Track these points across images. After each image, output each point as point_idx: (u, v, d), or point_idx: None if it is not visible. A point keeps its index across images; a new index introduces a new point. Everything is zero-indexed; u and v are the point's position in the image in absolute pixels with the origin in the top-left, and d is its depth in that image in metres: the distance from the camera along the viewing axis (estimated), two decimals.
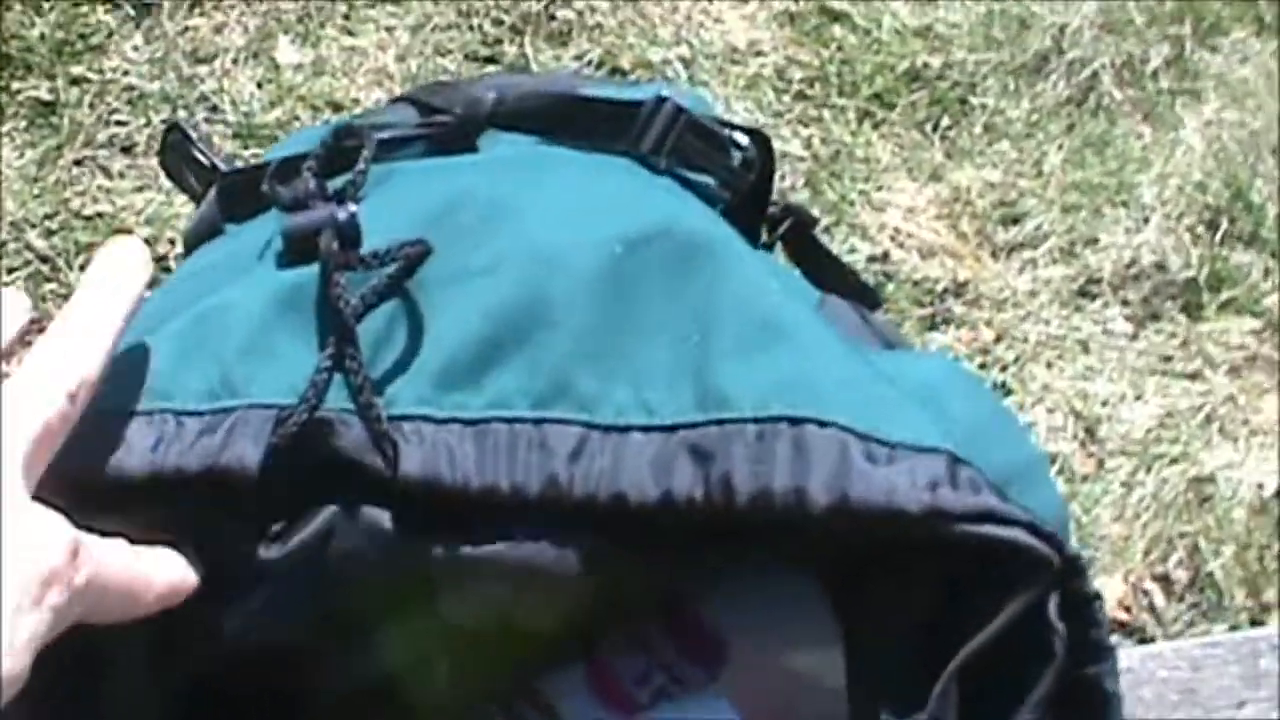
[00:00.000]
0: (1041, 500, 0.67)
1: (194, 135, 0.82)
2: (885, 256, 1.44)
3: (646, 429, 0.57)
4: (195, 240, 0.77)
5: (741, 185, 0.76)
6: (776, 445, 0.55)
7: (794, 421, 0.56)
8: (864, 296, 0.85)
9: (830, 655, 0.61)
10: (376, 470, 0.56)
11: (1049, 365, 1.38)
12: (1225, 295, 1.46)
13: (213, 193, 0.79)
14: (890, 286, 1.35)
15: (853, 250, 0.80)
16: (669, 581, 0.73)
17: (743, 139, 0.79)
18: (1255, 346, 1.42)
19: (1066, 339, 1.43)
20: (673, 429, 0.57)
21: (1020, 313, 1.45)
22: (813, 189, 1.33)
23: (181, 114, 1.54)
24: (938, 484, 0.55)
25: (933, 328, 1.37)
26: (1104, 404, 1.35)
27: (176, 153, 0.82)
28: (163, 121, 1.55)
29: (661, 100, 0.75)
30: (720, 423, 0.56)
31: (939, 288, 1.46)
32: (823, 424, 0.56)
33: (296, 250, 0.61)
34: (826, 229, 1.10)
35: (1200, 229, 1.51)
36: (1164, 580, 1.26)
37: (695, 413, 0.57)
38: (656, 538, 0.56)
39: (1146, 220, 1.52)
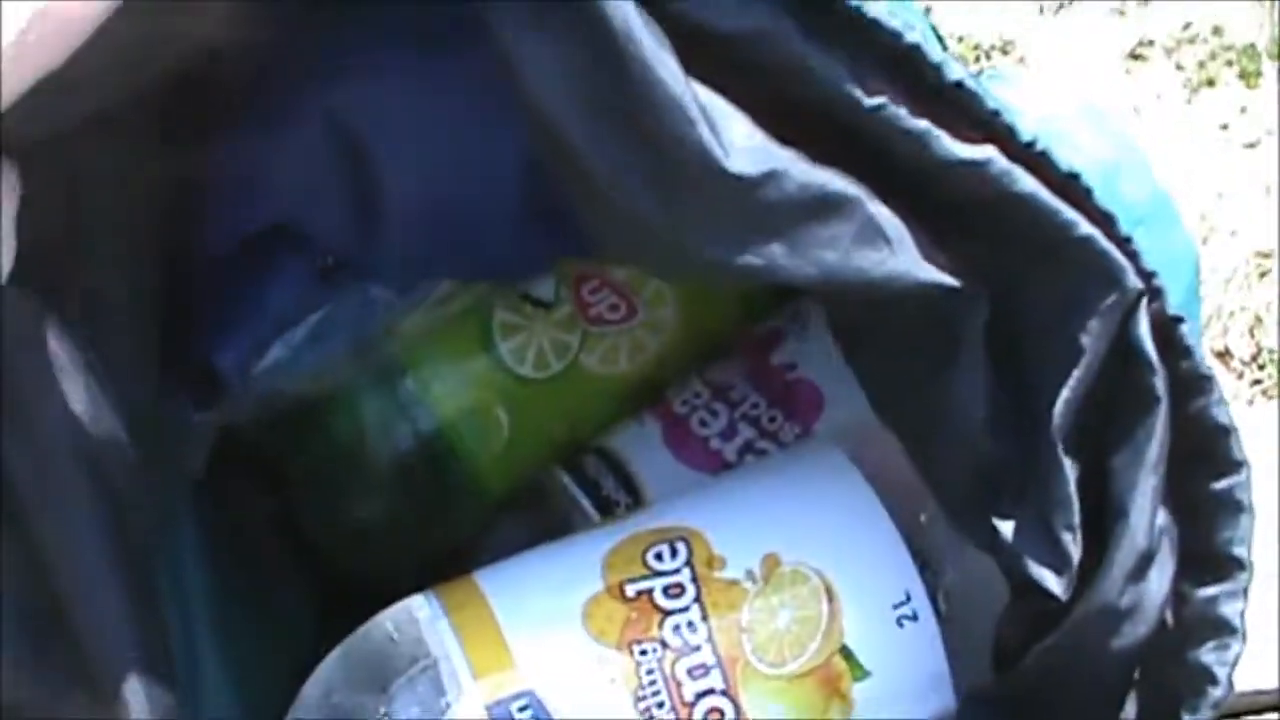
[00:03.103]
0: (1175, 241, 0.61)
1: None
2: (927, 11, 1.38)
3: None
4: None
5: None
6: None
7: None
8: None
9: None
10: None
11: None
12: None
13: None
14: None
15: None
16: (751, 321, 0.69)
17: None
18: None
19: (1118, 103, 1.39)
20: None
21: (1069, 73, 1.42)
22: None
23: None
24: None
25: None
26: (1157, 171, 1.29)
27: None
28: None
29: None
30: None
31: (985, 44, 1.42)
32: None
33: None
34: None
35: None
36: (1223, 355, 1.22)
37: None
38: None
39: None
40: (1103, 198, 0.53)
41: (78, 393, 0.45)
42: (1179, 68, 1.41)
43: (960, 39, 1.38)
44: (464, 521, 0.67)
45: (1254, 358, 1.20)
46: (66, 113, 0.43)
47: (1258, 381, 1.19)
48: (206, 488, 0.59)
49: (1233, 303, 1.22)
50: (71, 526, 0.45)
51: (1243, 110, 1.37)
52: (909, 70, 0.48)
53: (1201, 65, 1.40)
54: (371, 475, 0.66)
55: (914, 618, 0.54)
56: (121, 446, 0.47)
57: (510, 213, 0.56)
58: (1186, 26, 1.43)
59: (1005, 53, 1.39)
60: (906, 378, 0.51)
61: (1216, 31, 1.42)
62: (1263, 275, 1.25)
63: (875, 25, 0.47)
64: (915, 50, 0.47)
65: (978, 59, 1.36)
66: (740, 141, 0.46)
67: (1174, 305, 0.59)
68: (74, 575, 0.45)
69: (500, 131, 0.53)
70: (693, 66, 0.46)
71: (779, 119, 0.48)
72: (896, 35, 0.47)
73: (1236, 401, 1.17)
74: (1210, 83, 1.40)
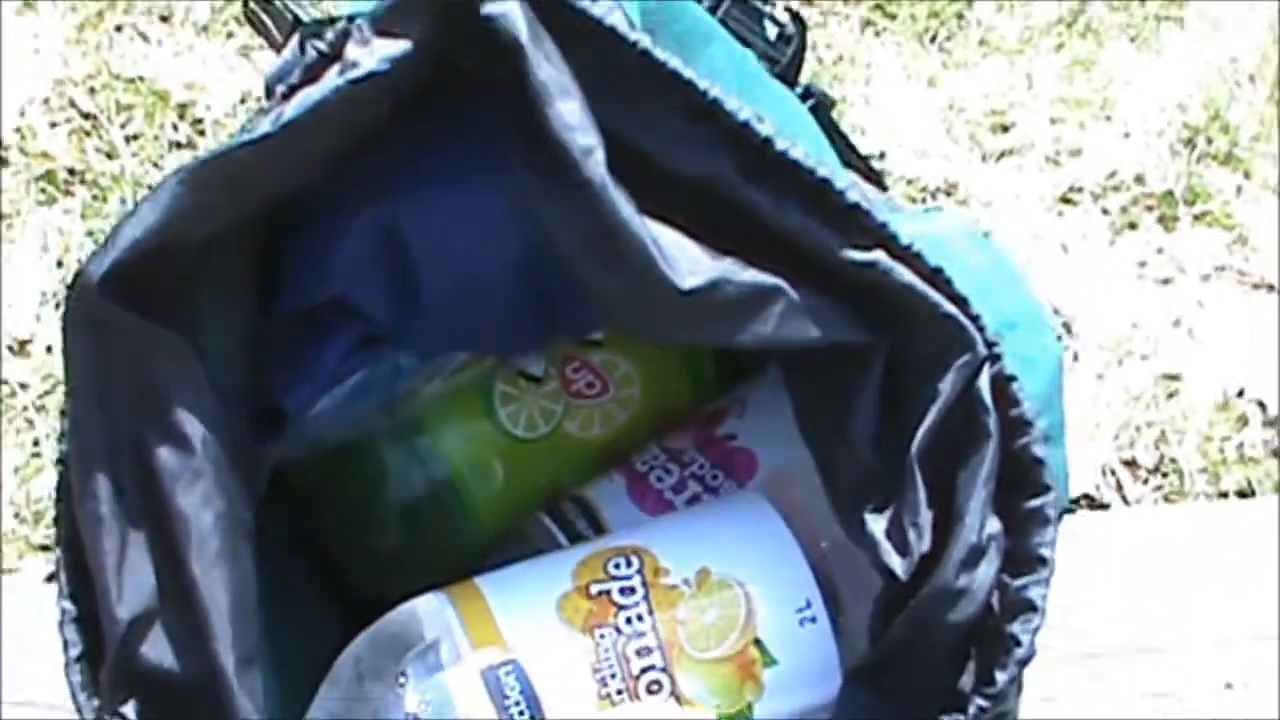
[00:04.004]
0: (1041, 344, 0.74)
1: None
2: (882, 155, 1.50)
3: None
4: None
5: (780, 58, 0.84)
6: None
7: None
8: (875, 179, 0.93)
9: None
10: None
11: (1030, 264, 1.45)
12: (1198, 209, 1.52)
13: (294, 41, 0.85)
14: (886, 181, 1.42)
15: (858, 149, 0.87)
16: (701, 401, 0.82)
17: (782, 16, 0.86)
18: (1224, 258, 1.49)
19: (1048, 241, 1.49)
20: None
21: (1006, 214, 1.51)
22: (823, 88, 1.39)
23: None
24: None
25: None
26: (1080, 303, 1.43)
27: (259, 4, 0.88)
28: None
29: None
30: None
31: (931, 186, 1.52)
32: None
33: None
34: None
35: (1179, 146, 1.56)
36: (1131, 464, 1.34)
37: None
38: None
39: (1128, 136, 1.57)
40: (978, 299, 0.69)
41: (205, 409, 0.61)
42: (1104, 212, 1.51)
43: (909, 181, 1.49)
44: (464, 552, 0.77)
45: (1157, 467, 1.33)
46: (202, 230, 0.60)
47: (1159, 488, 1.33)
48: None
49: (1140, 419, 1.35)
50: (201, 513, 0.60)
51: (1159, 251, 1.48)
52: (821, 196, 0.64)
53: (1124, 210, 1.51)
54: (390, 511, 0.78)
55: (814, 620, 0.67)
56: (229, 459, 0.63)
57: (514, 302, 0.70)
58: (1112, 175, 1.52)
59: (948, 194, 1.49)
60: (823, 398, 0.66)
61: (1139, 180, 1.52)
62: (1170, 396, 1.38)
63: (797, 164, 0.64)
64: (825, 181, 0.64)
65: (924, 199, 1.48)
66: (688, 264, 0.62)
67: (1038, 393, 0.74)
68: (197, 555, 0.60)
69: (510, 239, 0.68)
70: (658, 197, 0.63)
71: (721, 231, 0.64)
72: (812, 171, 0.64)
73: (1142, 504, 1.31)
74: (1132, 226, 1.50)
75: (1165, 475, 1.33)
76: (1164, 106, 1.59)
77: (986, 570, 0.62)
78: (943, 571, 0.61)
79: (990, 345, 0.63)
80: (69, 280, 0.61)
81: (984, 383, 0.63)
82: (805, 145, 0.66)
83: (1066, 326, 1.42)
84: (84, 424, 0.61)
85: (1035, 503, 0.63)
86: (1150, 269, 1.49)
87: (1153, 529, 1.06)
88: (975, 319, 0.63)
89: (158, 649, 0.60)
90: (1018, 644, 0.62)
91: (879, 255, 0.63)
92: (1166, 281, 1.48)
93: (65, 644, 0.62)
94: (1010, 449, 0.63)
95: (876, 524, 0.63)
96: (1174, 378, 1.40)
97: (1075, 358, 1.40)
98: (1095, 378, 1.38)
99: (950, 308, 0.63)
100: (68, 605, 0.62)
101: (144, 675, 0.60)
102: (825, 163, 0.64)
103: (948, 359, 0.63)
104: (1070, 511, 0.76)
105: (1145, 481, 1.33)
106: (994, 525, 0.62)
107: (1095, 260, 1.49)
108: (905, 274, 0.63)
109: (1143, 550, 1.04)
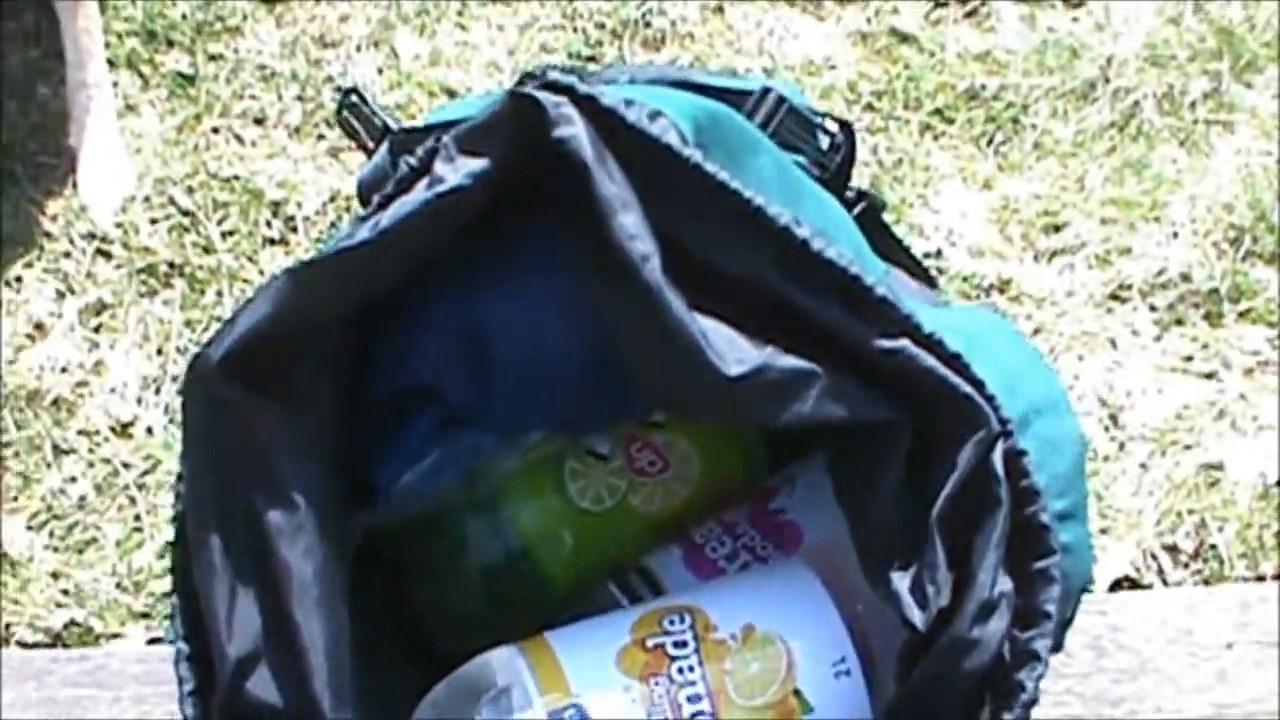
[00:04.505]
0: (1064, 429, 0.79)
1: (369, 99, 0.95)
2: (939, 253, 1.55)
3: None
4: (368, 189, 0.92)
5: (830, 165, 0.90)
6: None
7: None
8: (923, 276, 1.00)
9: None
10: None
11: (1080, 358, 1.49)
12: (1243, 305, 1.56)
13: (384, 147, 0.93)
14: (942, 280, 1.48)
15: (910, 247, 0.93)
16: (753, 479, 0.88)
17: (832, 126, 0.93)
18: (1268, 352, 1.53)
19: (1098, 336, 1.54)
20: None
21: (1057, 310, 1.55)
22: (876, 191, 1.46)
23: (309, 92, 1.70)
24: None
25: None
26: (1128, 395, 1.47)
27: (351, 112, 0.96)
28: (295, 98, 1.70)
29: (767, 90, 0.89)
30: None
31: (985, 283, 1.57)
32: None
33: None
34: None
35: (1225, 245, 1.60)
36: (1172, 549, 1.38)
37: None
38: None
39: (1176, 235, 1.61)
40: (1007, 387, 0.74)
41: (306, 474, 0.69)
42: (1152, 308, 1.56)
43: (965, 278, 1.55)
44: (537, 613, 0.81)
45: (1197, 552, 1.38)
46: (307, 320, 0.69)
47: (1199, 571, 1.38)
48: None
49: (1182, 506, 1.40)
50: (303, 564, 0.68)
51: (1204, 346, 1.53)
52: (853, 291, 0.71)
53: (1171, 307, 1.55)
54: (472, 575, 0.83)
55: (848, 673, 0.74)
56: (327, 521, 0.71)
57: (582, 388, 0.77)
58: (1160, 273, 1.57)
59: (1002, 291, 1.55)
60: (858, 469, 0.73)
61: (1185, 278, 1.57)
62: (1211, 485, 1.43)
63: (831, 263, 0.71)
64: (856, 278, 0.71)
65: (978, 295, 1.53)
66: (734, 354, 0.69)
67: (1062, 474, 0.79)
68: (299, 602, 0.68)
69: (578, 333, 0.75)
70: (708, 293, 0.70)
71: (764, 322, 0.71)
72: (845, 269, 0.71)
73: (1182, 587, 1.36)
74: (1179, 322, 1.55)
75: (1205, 560, 1.38)
76: (1210, 207, 1.64)
77: (998, 624, 0.68)
78: (959, 624, 0.68)
79: (1003, 423, 0.70)
80: (188, 361, 0.69)
81: (997, 456, 0.69)
82: (843, 245, 0.73)
83: (1113, 418, 1.47)
84: (199, 485, 0.69)
85: (1042, 564, 0.70)
86: (1195, 363, 1.54)
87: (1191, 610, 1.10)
88: (990, 399, 0.70)
89: (262, 685, 0.68)
90: (1023, 690, 0.68)
91: (905, 343, 0.70)
92: (1211, 375, 1.52)
93: (180, 680, 0.70)
94: (1020, 516, 0.70)
95: (901, 581, 0.69)
96: (1216, 467, 1.45)
97: (1121, 447, 1.46)
98: (1139, 466, 1.44)
99: (968, 389, 0.70)
100: (183, 646, 0.70)
101: (250, 708, 0.68)
102: (858, 261, 0.72)
103: (965, 435, 0.69)
104: (1090, 589, 0.82)
105: (1185, 566, 1.38)
106: (1005, 584, 0.69)
107: (1143, 355, 1.54)
108: (928, 359, 0.70)
109: (1180, 631, 1.08)
